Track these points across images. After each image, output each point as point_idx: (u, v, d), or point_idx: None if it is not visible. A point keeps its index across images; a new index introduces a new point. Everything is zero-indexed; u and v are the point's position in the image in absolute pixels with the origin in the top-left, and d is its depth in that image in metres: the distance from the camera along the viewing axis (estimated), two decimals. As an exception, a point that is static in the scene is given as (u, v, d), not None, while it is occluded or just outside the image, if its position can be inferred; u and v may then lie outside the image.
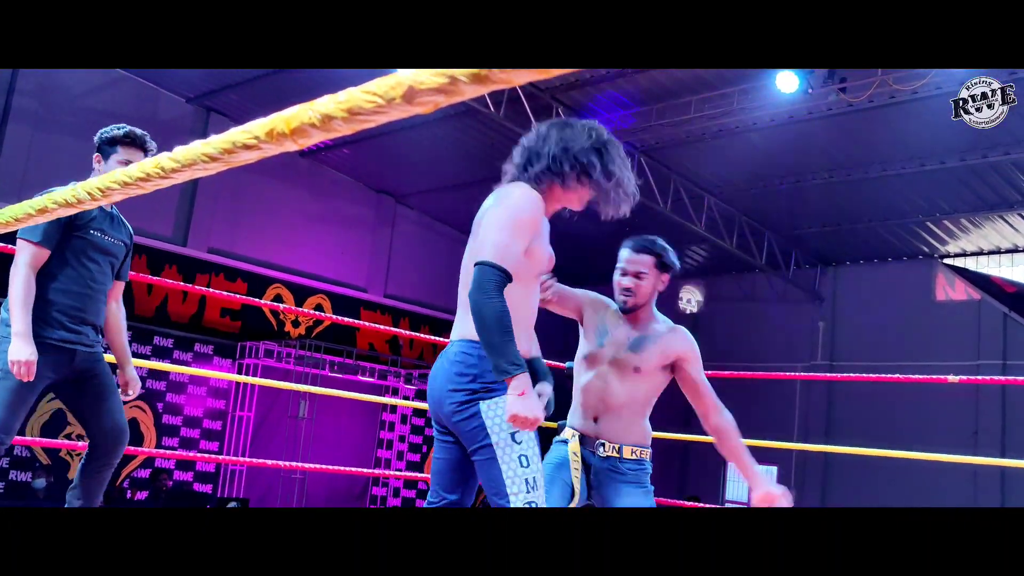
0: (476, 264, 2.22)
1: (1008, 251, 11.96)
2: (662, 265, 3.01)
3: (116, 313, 3.39)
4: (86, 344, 3.16)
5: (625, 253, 3.03)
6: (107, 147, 3.23)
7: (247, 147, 1.04)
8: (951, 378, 4.95)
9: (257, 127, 1.04)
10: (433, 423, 2.49)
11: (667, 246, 3.06)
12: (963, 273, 12.26)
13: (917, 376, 5.20)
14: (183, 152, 1.14)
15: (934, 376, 5.19)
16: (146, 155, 3.25)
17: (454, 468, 2.47)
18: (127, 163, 3.15)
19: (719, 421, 2.93)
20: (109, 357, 3.43)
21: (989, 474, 11.03)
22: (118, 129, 3.24)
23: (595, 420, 2.96)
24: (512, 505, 2.22)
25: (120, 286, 3.41)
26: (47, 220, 1.91)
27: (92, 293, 3.18)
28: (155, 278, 4.98)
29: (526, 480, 2.22)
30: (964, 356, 11.61)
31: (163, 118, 11.15)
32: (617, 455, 2.92)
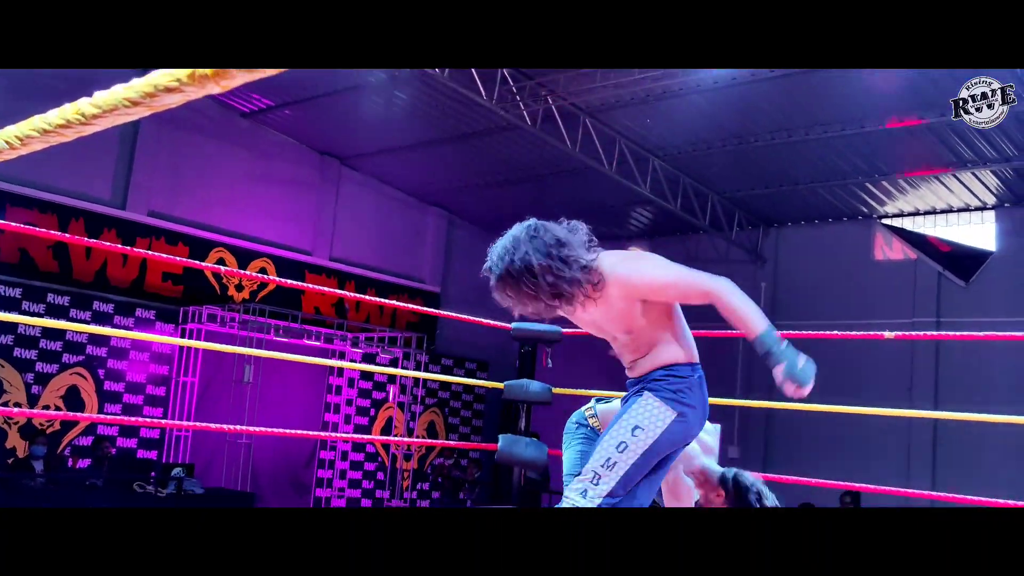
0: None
1: (943, 211, 12.26)
2: None
3: None
4: None
5: None
6: None
7: (169, 90, 1.01)
8: (887, 334, 5.08)
9: (180, 70, 1.01)
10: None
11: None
12: (900, 233, 12.55)
13: (854, 333, 5.34)
14: (104, 97, 1.10)
15: (871, 332, 5.34)
16: None
17: None
18: None
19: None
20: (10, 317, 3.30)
21: (922, 426, 11.42)
22: None
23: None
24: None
25: None
26: None
27: None
28: (94, 241, 4.85)
29: None
30: (900, 314, 11.92)
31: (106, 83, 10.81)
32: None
